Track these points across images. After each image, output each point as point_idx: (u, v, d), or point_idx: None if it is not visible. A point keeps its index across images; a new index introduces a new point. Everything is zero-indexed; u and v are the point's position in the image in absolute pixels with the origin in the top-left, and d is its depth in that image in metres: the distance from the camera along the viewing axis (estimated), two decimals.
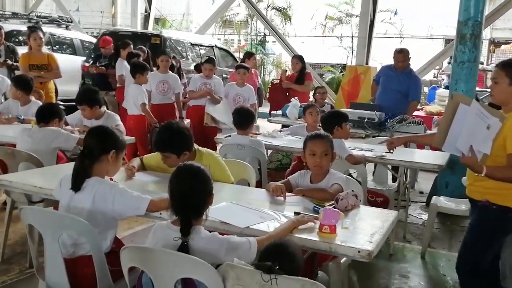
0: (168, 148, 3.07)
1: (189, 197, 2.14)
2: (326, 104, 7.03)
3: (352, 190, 2.86)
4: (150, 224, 2.83)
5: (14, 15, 11.53)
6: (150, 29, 14.34)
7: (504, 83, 2.80)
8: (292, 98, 6.81)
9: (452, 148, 2.71)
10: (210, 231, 2.21)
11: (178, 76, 6.98)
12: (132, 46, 7.77)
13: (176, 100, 6.71)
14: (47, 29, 10.21)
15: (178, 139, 3.08)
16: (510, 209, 2.77)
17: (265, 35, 19.55)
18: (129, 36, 10.08)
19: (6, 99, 5.66)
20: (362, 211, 2.78)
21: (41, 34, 6.93)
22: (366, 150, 4.54)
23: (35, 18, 11.14)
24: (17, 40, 9.32)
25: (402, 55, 6.33)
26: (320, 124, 4.60)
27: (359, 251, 2.20)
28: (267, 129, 5.87)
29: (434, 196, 4.71)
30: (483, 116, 2.69)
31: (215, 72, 6.75)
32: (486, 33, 17.26)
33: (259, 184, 4.00)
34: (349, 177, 3.22)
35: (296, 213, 2.57)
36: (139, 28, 13.49)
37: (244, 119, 4.54)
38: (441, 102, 9.81)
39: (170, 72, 6.80)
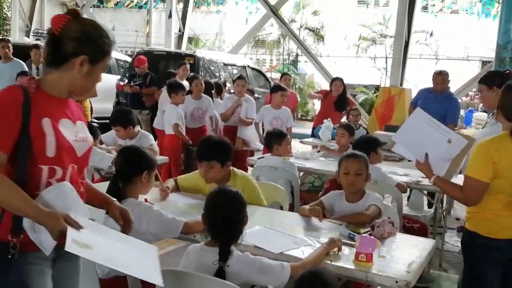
0: (214, 156, 3.08)
1: (229, 222, 2.14)
2: (360, 126, 6.94)
3: (388, 217, 2.79)
4: (182, 245, 2.83)
5: None
6: (184, 48, 14.56)
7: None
8: (325, 120, 6.73)
9: (402, 144, 3.02)
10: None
11: (211, 98, 6.84)
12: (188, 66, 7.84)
13: (212, 123, 6.67)
14: None
15: (223, 147, 3.14)
16: (478, 235, 2.64)
17: (297, 55, 19.62)
18: (164, 55, 10.26)
19: None
20: (398, 239, 2.70)
21: None
22: (401, 175, 4.45)
23: None
24: None
25: (441, 77, 6.20)
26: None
27: (396, 281, 2.14)
28: (299, 149, 5.83)
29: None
30: (439, 128, 2.90)
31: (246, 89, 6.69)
32: None
33: (291, 207, 3.96)
34: (388, 205, 3.16)
35: (331, 240, 2.52)
36: (172, 48, 13.70)
37: (274, 140, 4.53)
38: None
39: (203, 96, 6.66)
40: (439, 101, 6.16)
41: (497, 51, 5.31)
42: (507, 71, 3.75)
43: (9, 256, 1.72)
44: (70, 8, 1.92)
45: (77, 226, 1.69)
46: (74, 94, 1.94)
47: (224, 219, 2.15)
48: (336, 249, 2.36)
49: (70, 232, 1.65)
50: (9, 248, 1.72)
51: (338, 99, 7.50)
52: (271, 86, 10.01)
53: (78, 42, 1.83)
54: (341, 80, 7.70)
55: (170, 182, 3.44)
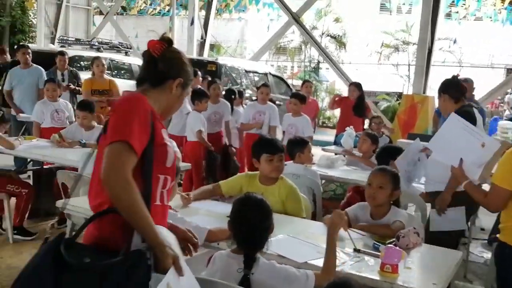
0: (283, 149, 3.34)
1: (254, 229, 2.15)
2: (383, 135, 6.87)
3: (414, 227, 2.75)
4: (204, 251, 2.82)
5: (77, 41, 12.07)
6: (206, 55, 14.65)
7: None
8: (347, 127, 6.68)
9: (437, 151, 3.20)
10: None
11: (229, 103, 6.77)
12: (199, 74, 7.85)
13: (225, 127, 6.61)
14: (108, 55, 10.60)
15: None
16: (507, 245, 2.67)
17: (318, 62, 19.58)
18: None
19: (69, 123, 5.86)
20: (424, 249, 2.67)
21: (103, 61, 7.21)
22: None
23: (96, 44, 11.60)
24: (79, 65, 9.72)
25: (466, 84, 6.11)
26: (376, 160, 4.50)
27: None
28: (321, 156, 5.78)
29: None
30: (473, 132, 2.99)
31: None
32: None
33: (313, 215, 3.93)
34: (411, 214, 3.13)
35: (356, 250, 2.50)
36: (194, 55, 13.80)
37: (297, 148, 4.51)
38: (503, 134, 9.43)
39: (221, 100, 6.65)
40: None
41: None
42: (455, 75, 3.92)
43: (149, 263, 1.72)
44: (165, 36, 2.07)
45: (180, 273, 1.73)
46: (165, 114, 2.07)
47: (249, 226, 2.15)
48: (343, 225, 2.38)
49: (170, 274, 1.68)
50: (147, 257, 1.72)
51: (356, 104, 7.47)
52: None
53: (175, 66, 2.00)
54: (356, 84, 7.68)
55: (207, 188, 3.54)
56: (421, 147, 3.65)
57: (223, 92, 6.95)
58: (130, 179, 1.72)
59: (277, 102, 9.38)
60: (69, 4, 17.73)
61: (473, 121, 3.31)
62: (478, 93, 10.48)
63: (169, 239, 1.82)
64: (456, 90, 3.70)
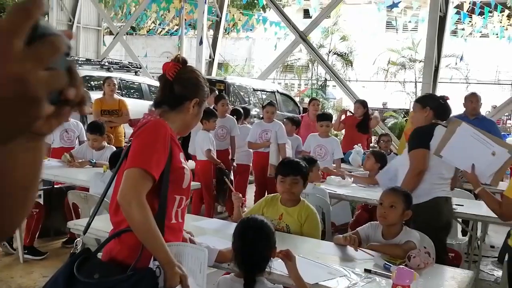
0: (299, 171, 3.25)
1: (254, 253, 2.15)
2: (391, 153, 6.87)
3: (425, 247, 2.75)
4: (213, 270, 2.83)
5: (87, 61, 12.20)
6: (214, 74, 14.76)
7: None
8: (356, 145, 6.70)
9: (451, 158, 3.45)
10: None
11: (235, 119, 6.83)
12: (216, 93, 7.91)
13: (231, 143, 6.65)
14: (118, 74, 10.71)
15: (305, 166, 3.33)
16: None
17: (325, 79, 19.66)
18: None
19: (79, 142, 5.91)
20: (435, 270, 2.66)
21: (114, 81, 7.29)
22: None
23: (107, 64, 11.72)
24: (89, 85, 9.81)
25: (474, 97, 6.08)
26: None
27: None
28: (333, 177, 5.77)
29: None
30: (484, 141, 3.30)
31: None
32: None
33: (323, 235, 3.93)
34: (423, 234, 3.12)
35: (367, 270, 2.50)
36: (203, 74, 13.90)
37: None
38: None
39: (228, 115, 6.70)
40: (474, 125, 6.02)
41: None
42: (445, 96, 3.86)
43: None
44: (179, 57, 2.16)
45: None
46: (183, 132, 2.19)
47: (248, 248, 2.16)
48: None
49: None
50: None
51: (361, 121, 7.49)
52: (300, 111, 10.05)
53: (191, 87, 2.08)
54: (361, 102, 7.72)
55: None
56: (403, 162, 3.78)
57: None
58: (143, 201, 1.85)
59: (284, 120, 9.40)
60: (80, 24, 17.98)
61: (428, 136, 3.53)
62: (486, 109, 10.49)
63: (187, 259, 1.92)
64: (444, 112, 3.76)
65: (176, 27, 21.87)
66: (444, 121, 3.77)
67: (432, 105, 3.68)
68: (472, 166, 3.26)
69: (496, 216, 4.10)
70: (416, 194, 3.43)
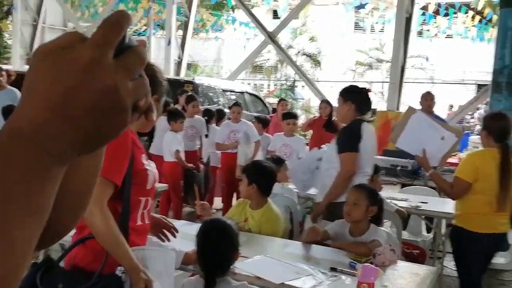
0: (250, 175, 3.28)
1: (215, 255, 2.14)
2: None
3: (390, 245, 2.79)
4: (180, 273, 2.81)
5: None
6: (183, 75, 14.67)
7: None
8: (323, 145, 6.74)
9: (404, 146, 3.92)
10: None
11: (204, 120, 6.85)
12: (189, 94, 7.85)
13: (202, 143, 6.65)
14: None
15: (264, 171, 3.35)
16: (464, 230, 3.45)
17: (294, 80, 19.78)
18: None
19: None
20: (400, 267, 2.70)
21: None
22: (400, 200, 4.46)
23: None
24: None
25: (429, 95, 6.28)
26: None
27: None
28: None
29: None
30: (434, 126, 3.73)
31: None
32: None
33: (291, 234, 3.95)
34: (390, 233, 3.18)
35: (333, 269, 2.52)
36: (172, 74, 13.81)
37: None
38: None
39: (196, 116, 6.69)
40: None
41: (493, 77, 5.38)
42: (367, 89, 3.91)
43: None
44: None
45: None
46: (142, 129, 2.17)
47: (210, 249, 2.15)
48: None
49: None
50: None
51: (327, 121, 7.57)
52: (269, 111, 10.08)
53: (151, 84, 1.99)
54: (327, 101, 7.81)
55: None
56: (318, 156, 3.97)
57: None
58: (105, 209, 1.85)
59: (253, 121, 9.41)
60: (45, 25, 17.62)
61: (357, 137, 3.58)
62: (451, 109, 10.71)
63: (154, 260, 1.90)
64: (367, 105, 3.78)
65: (144, 28, 21.65)
66: (371, 117, 3.94)
67: (354, 99, 3.67)
68: (423, 150, 3.61)
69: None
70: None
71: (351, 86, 3.88)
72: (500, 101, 5.25)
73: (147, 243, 2.50)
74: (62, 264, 2.01)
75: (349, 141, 3.60)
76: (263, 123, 6.96)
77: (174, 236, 2.35)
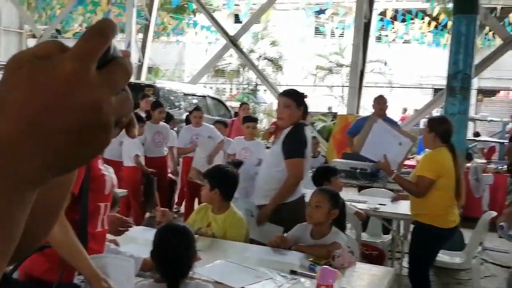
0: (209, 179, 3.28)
1: (178, 258, 2.12)
2: (319, 155, 7.03)
3: (348, 247, 2.83)
4: (139, 279, 2.77)
5: None
6: (143, 78, 14.51)
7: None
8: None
9: (368, 154, 4.19)
10: None
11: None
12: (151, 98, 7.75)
13: (170, 151, 6.61)
14: None
15: (225, 176, 3.34)
16: (432, 227, 3.69)
17: (256, 84, 19.84)
18: None
19: None
20: (358, 268, 2.74)
21: None
22: (359, 202, 4.53)
23: None
24: None
25: (382, 99, 6.43)
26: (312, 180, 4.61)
27: None
28: None
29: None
30: (394, 134, 4.07)
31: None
32: (474, 83, 17.65)
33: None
34: (351, 237, 3.22)
35: (292, 272, 2.54)
36: (132, 78, 13.63)
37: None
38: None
39: (162, 123, 6.65)
40: None
41: (448, 81, 5.54)
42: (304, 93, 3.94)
43: None
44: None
45: None
46: None
47: (171, 255, 2.13)
48: None
49: None
50: None
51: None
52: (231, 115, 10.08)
53: None
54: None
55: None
56: (256, 162, 4.32)
57: None
58: (62, 219, 1.77)
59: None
60: (0, 27, 17.12)
61: (304, 143, 3.64)
62: (408, 112, 10.95)
63: (113, 271, 1.88)
64: (307, 110, 3.81)
65: None
66: (308, 121, 4.08)
67: (303, 103, 3.71)
68: (384, 156, 3.87)
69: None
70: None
71: (293, 90, 3.90)
72: (455, 105, 5.40)
73: (104, 250, 2.46)
74: (16, 275, 1.95)
75: (297, 147, 3.63)
76: (225, 125, 6.95)
77: (127, 230, 2.42)
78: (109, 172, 2.10)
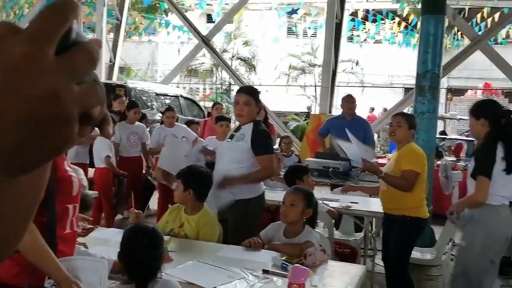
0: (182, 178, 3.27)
1: (146, 260, 2.10)
2: (293, 154, 7.06)
3: (320, 245, 2.85)
4: (110, 282, 2.74)
5: None
6: (115, 79, 14.34)
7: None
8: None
9: (356, 159, 4.38)
10: None
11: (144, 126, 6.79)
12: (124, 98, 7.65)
13: (143, 150, 6.56)
14: None
15: (199, 177, 3.33)
16: (419, 218, 3.89)
17: (230, 84, 19.82)
18: None
19: None
20: (330, 266, 2.76)
21: None
22: (331, 200, 4.56)
23: None
24: None
25: (351, 98, 6.49)
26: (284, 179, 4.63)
27: None
28: None
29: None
30: (359, 144, 4.39)
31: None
32: (443, 82, 17.98)
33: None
34: (324, 235, 3.24)
35: (265, 271, 2.54)
36: (103, 79, 13.46)
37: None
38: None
39: (137, 123, 6.60)
40: (352, 127, 6.33)
41: (417, 80, 5.62)
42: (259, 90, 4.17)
43: None
44: None
45: None
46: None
47: (139, 256, 2.11)
48: None
49: None
50: None
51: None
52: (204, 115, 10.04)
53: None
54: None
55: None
56: (200, 148, 4.55)
57: None
58: None
59: None
60: None
61: (270, 139, 3.88)
62: (379, 111, 11.08)
63: (86, 270, 1.86)
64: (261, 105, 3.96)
65: None
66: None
67: (259, 100, 3.85)
68: (362, 159, 4.07)
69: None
70: (252, 189, 3.67)
71: (252, 87, 4.10)
72: (424, 104, 5.49)
73: (75, 252, 2.42)
74: None
75: (268, 143, 3.79)
76: (198, 124, 6.93)
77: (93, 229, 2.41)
78: (78, 174, 2.07)
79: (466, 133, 12.16)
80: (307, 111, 18.20)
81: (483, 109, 3.38)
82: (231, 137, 3.79)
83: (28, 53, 0.37)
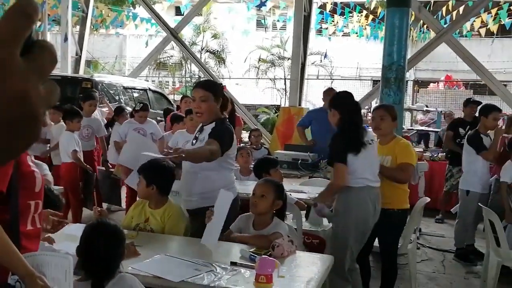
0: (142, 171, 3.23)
1: (105, 258, 2.07)
2: (262, 147, 7.08)
3: (288, 236, 2.87)
4: (76, 278, 2.70)
5: None
6: (81, 72, 14.09)
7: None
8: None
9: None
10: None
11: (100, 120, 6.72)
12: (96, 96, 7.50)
13: (100, 143, 6.49)
14: None
15: (162, 171, 3.27)
16: (406, 210, 4.01)
17: (199, 77, 19.70)
18: (59, 80, 9.84)
19: None
20: (298, 257, 2.78)
21: None
22: (300, 192, 4.59)
23: None
24: None
25: (332, 92, 6.51)
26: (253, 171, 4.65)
27: None
28: None
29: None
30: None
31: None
32: (410, 74, 18.28)
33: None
34: (292, 227, 3.26)
35: (232, 263, 2.55)
36: (69, 72, 13.21)
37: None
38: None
39: (93, 116, 6.53)
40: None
41: (383, 72, 5.70)
42: (223, 85, 3.88)
43: None
44: None
45: None
46: None
47: (97, 254, 2.08)
48: None
49: None
50: None
51: (228, 117, 7.60)
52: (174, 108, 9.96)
53: None
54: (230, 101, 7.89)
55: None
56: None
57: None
58: None
59: (157, 118, 9.25)
60: None
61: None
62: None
63: (51, 266, 1.86)
64: (225, 100, 3.59)
65: (38, 23, 20.49)
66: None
67: (221, 95, 3.42)
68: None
69: None
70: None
71: (210, 80, 3.92)
72: (390, 96, 5.58)
73: (39, 248, 2.38)
74: None
75: (225, 134, 3.29)
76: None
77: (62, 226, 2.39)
78: (42, 169, 2.03)
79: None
80: (277, 104, 18.26)
81: (336, 102, 3.73)
82: (196, 138, 3.46)
83: None
